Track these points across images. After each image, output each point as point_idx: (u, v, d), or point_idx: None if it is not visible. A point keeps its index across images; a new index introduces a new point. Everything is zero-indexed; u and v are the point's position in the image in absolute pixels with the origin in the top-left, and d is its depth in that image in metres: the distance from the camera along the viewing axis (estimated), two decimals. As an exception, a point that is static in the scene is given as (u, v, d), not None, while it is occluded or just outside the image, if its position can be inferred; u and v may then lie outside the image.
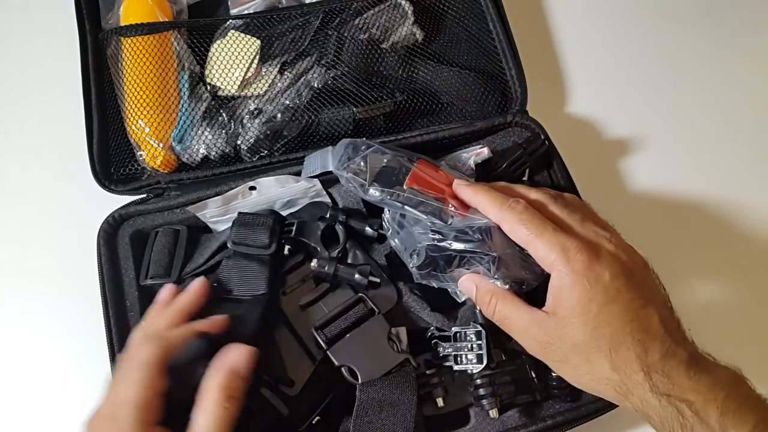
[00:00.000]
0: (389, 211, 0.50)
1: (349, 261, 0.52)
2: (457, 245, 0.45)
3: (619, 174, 0.65)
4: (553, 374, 0.49)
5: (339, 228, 0.52)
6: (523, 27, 0.65)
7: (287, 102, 0.59)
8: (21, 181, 0.64)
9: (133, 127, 0.57)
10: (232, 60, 0.60)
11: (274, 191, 0.54)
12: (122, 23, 0.60)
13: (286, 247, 0.52)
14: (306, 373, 0.49)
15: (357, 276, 0.50)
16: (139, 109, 0.57)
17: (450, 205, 0.46)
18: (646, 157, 0.65)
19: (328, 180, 0.54)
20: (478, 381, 0.48)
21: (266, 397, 0.45)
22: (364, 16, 0.62)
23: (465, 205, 0.46)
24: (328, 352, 0.48)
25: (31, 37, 0.69)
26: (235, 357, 0.40)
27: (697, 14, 0.72)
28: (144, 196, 0.57)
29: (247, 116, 0.59)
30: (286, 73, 0.61)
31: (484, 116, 0.59)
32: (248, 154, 0.58)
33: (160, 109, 0.57)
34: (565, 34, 0.71)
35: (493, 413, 0.48)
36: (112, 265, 0.53)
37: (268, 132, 0.58)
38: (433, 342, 0.51)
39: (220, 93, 0.60)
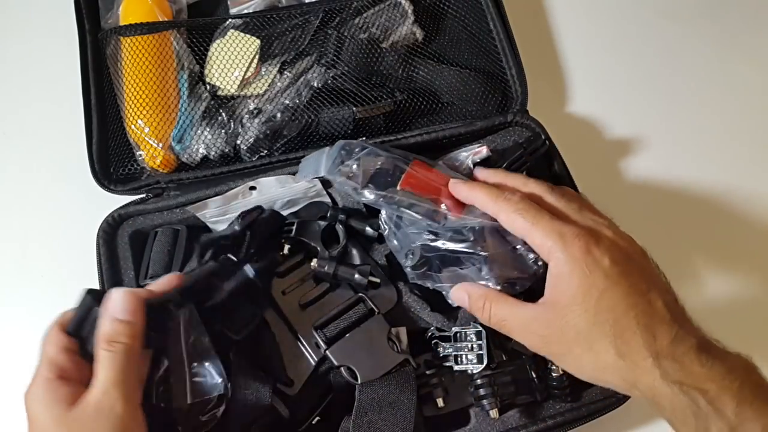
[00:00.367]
0: (386, 211, 0.50)
1: (349, 261, 0.52)
2: (450, 245, 0.45)
3: (619, 173, 0.65)
4: (554, 374, 0.49)
5: (339, 228, 0.52)
6: (524, 26, 0.64)
7: (287, 101, 0.59)
8: (21, 181, 0.64)
9: (133, 126, 0.57)
10: (231, 59, 0.60)
11: (274, 191, 0.54)
12: (122, 23, 0.60)
13: (286, 247, 0.52)
14: (306, 373, 0.49)
15: (357, 276, 0.50)
16: (138, 108, 0.57)
17: (444, 206, 0.46)
18: (646, 156, 0.65)
19: (328, 180, 0.54)
20: (479, 381, 0.48)
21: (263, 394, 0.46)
22: (364, 15, 0.62)
23: (460, 205, 0.46)
24: (327, 351, 0.48)
25: (31, 37, 0.69)
26: (110, 302, 0.39)
27: (697, 14, 0.72)
28: (143, 196, 0.57)
29: (247, 116, 0.59)
30: (285, 72, 0.61)
31: (484, 116, 0.59)
32: (248, 154, 0.58)
33: (159, 109, 0.57)
34: (566, 34, 0.71)
35: (494, 413, 0.48)
36: (111, 265, 0.53)
37: (268, 132, 0.58)
38: (433, 342, 0.51)
39: (219, 92, 0.60)
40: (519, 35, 0.63)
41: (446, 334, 0.50)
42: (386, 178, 0.48)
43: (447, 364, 0.50)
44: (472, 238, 0.45)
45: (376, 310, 0.50)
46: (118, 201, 0.56)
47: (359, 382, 0.47)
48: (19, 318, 0.59)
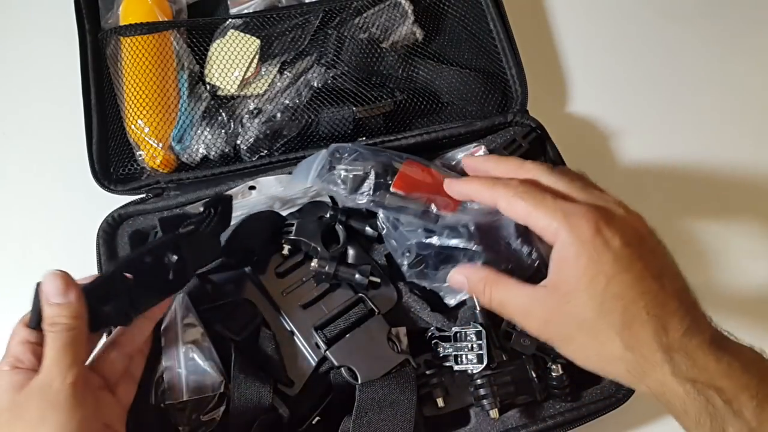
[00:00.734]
0: (383, 211, 0.50)
1: (349, 261, 0.52)
2: (445, 241, 0.45)
3: (619, 173, 0.65)
4: (554, 374, 0.49)
5: (339, 228, 0.52)
6: (524, 26, 0.64)
7: (287, 101, 0.59)
8: (21, 180, 0.64)
9: (133, 126, 0.57)
10: (231, 59, 0.60)
11: (274, 191, 0.54)
12: (122, 23, 0.60)
13: (286, 247, 0.52)
14: (306, 373, 0.49)
15: (357, 276, 0.50)
16: (138, 108, 0.57)
17: (434, 206, 0.46)
18: (646, 156, 0.65)
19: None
20: (479, 381, 0.48)
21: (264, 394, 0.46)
22: (364, 15, 0.62)
23: (453, 203, 0.46)
24: (327, 352, 0.48)
25: (31, 37, 0.69)
26: (44, 287, 0.39)
27: (697, 14, 0.72)
28: (143, 195, 0.57)
29: (247, 116, 0.59)
30: (285, 72, 0.61)
31: (484, 116, 0.59)
32: (248, 154, 0.58)
33: (159, 109, 0.57)
34: (566, 34, 0.71)
35: (494, 413, 0.48)
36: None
37: (268, 131, 0.58)
38: (433, 342, 0.51)
39: (219, 92, 0.60)
40: (519, 35, 0.63)
41: (446, 334, 0.50)
42: (378, 180, 0.48)
43: (447, 364, 0.50)
44: (466, 234, 0.45)
45: (376, 310, 0.50)
46: (118, 201, 0.56)
47: (359, 382, 0.47)
48: (20, 318, 0.59)
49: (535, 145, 0.56)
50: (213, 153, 0.58)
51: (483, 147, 0.54)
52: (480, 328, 0.49)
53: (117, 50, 0.60)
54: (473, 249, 0.44)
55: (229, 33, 0.61)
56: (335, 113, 0.58)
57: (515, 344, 0.49)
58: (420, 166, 0.49)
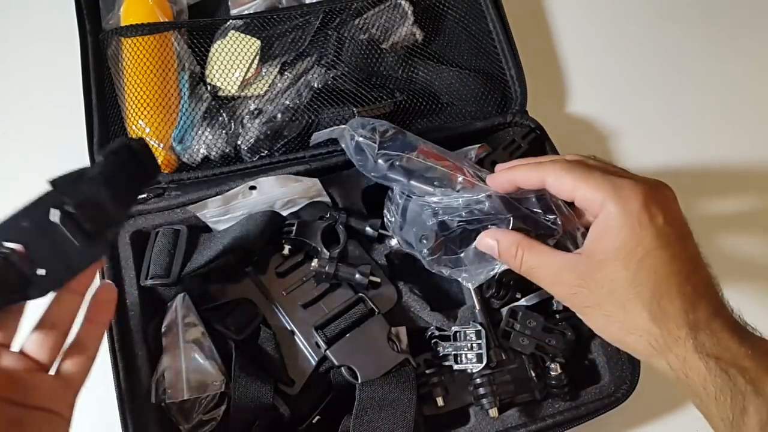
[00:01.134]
0: (392, 203, 0.50)
1: (349, 261, 0.52)
2: (467, 216, 0.44)
3: (618, 174, 0.65)
4: (552, 373, 0.49)
5: (339, 228, 0.52)
6: (523, 27, 0.65)
7: (287, 102, 0.59)
8: (21, 180, 0.64)
9: (134, 127, 0.57)
10: (232, 60, 0.60)
11: (275, 191, 0.54)
12: (122, 23, 0.61)
13: (287, 247, 0.52)
14: (306, 373, 0.50)
15: (357, 276, 0.50)
16: (139, 109, 0.57)
17: (458, 173, 0.45)
18: (646, 156, 0.65)
19: (328, 180, 0.55)
20: (478, 380, 0.48)
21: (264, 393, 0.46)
22: (364, 16, 0.62)
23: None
24: (327, 351, 0.48)
25: (32, 37, 0.69)
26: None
27: (697, 14, 0.72)
28: (144, 196, 0.57)
29: (248, 116, 0.59)
30: (286, 73, 0.61)
31: (483, 116, 0.59)
32: (248, 154, 0.58)
33: (160, 110, 0.57)
34: (565, 34, 0.71)
35: (493, 412, 0.48)
36: (112, 265, 0.53)
37: (269, 132, 0.58)
38: (432, 342, 0.51)
39: (220, 93, 0.60)
40: (518, 36, 0.63)
41: (446, 333, 0.51)
42: (402, 147, 0.47)
43: (446, 363, 0.50)
44: (489, 206, 0.44)
45: (376, 310, 0.50)
46: (119, 201, 0.56)
47: (359, 381, 0.47)
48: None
49: (535, 145, 0.57)
50: (214, 153, 0.58)
51: (485, 146, 0.54)
52: (479, 328, 0.49)
53: (118, 51, 0.60)
54: (501, 217, 0.43)
55: (229, 34, 0.61)
56: (335, 114, 0.58)
57: (514, 344, 0.49)
58: (435, 154, 0.49)
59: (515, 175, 0.43)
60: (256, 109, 0.59)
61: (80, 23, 0.62)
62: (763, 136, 0.67)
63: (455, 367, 0.49)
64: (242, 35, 0.61)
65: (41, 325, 0.39)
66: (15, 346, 0.39)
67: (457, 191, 0.45)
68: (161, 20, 0.60)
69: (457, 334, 0.50)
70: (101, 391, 0.52)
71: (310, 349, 0.50)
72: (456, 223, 0.45)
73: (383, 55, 0.61)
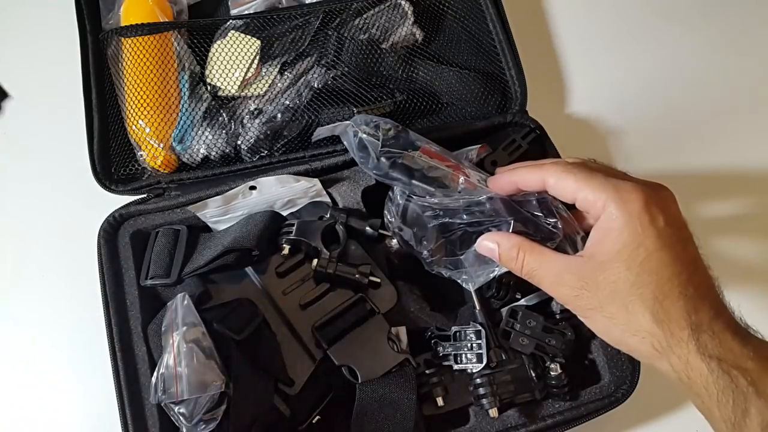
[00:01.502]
0: (392, 204, 0.50)
1: (349, 261, 0.52)
2: (468, 218, 0.44)
3: (618, 174, 0.65)
4: (552, 373, 0.49)
5: (339, 228, 0.52)
6: (523, 27, 0.65)
7: (287, 102, 0.59)
8: (22, 180, 0.64)
9: (134, 127, 0.58)
10: (232, 60, 0.60)
11: (275, 191, 0.54)
12: (122, 23, 0.61)
13: (287, 247, 0.52)
14: (306, 373, 0.50)
15: (357, 276, 0.50)
16: (139, 109, 0.57)
17: (460, 174, 0.45)
18: (646, 156, 0.65)
19: (328, 180, 0.55)
20: (478, 380, 0.48)
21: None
22: (364, 16, 0.62)
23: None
24: (328, 351, 0.48)
25: (32, 37, 0.69)
26: None
27: (697, 14, 0.72)
28: (144, 196, 0.57)
29: (248, 116, 0.59)
30: (286, 73, 0.61)
31: (483, 116, 0.59)
32: (248, 154, 0.58)
33: (160, 109, 0.57)
34: (565, 34, 0.71)
35: (493, 412, 0.48)
36: (112, 265, 0.53)
37: (268, 132, 0.58)
38: (432, 342, 0.51)
39: (220, 93, 0.60)
40: (518, 35, 0.63)
41: (446, 333, 0.51)
42: (405, 146, 0.47)
43: (446, 363, 0.50)
44: (489, 207, 0.44)
45: (376, 310, 0.50)
46: (119, 201, 0.56)
47: (359, 381, 0.47)
48: (20, 317, 0.59)
49: (535, 145, 0.57)
50: (214, 153, 0.58)
51: (485, 146, 0.54)
52: (479, 328, 0.49)
53: (118, 51, 0.60)
54: (502, 220, 0.43)
55: (229, 34, 0.61)
56: (335, 114, 0.58)
57: (514, 344, 0.49)
58: (437, 154, 0.48)
59: (516, 176, 0.43)
60: (256, 109, 0.59)
61: (80, 23, 0.62)
62: (764, 136, 0.67)
63: (455, 367, 0.49)
64: (242, 35, 0.61)
65: None
66: None
67: (459, 192, 0.45)
68: (161, 20, 0.60)
69: (457, 334, 0.50)
70: (101, 391, 0.52)
71: (310, 349, 0.50)
72: (456, 224, 0.45)
73: (383, 55, 0.61)
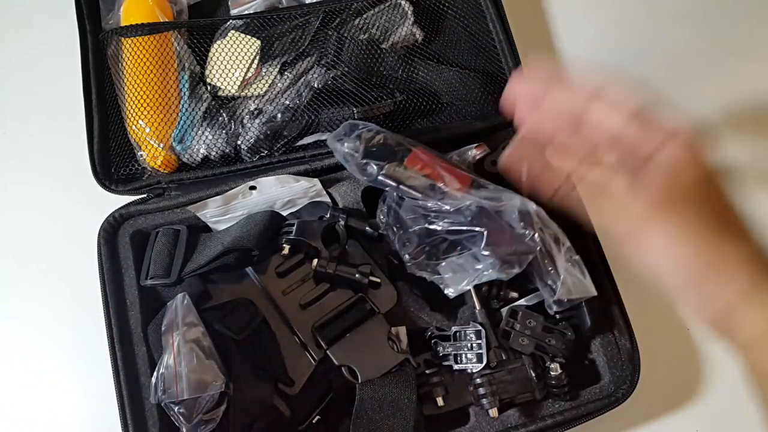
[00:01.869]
0: (384, 204, 0.50)
1: (349, 261, 0.52)
2: (447, 225, 0.45)
3: (618, 174, 0.65)
4: (552, 373, 0.49)
5: (339, 228, 0.52)
6: (523, 27, 0.65)
7: (287, 102, 0.59)
8: (22, 181, 0.64)
9: (134, 127, 0.58)
10: (232, 60, 0.60)
11: (275, 191, 0.54)
12: (123, 23, 0.61)
13: (287, 247, 0.52)
14: (306, 373, 0.50)
15: (357, 276, 0.50)
16: (139, 109, 0.57)
17: (443, 183, 0.46)
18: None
19: (328, 180, 0.55)
20: (478, 380, 0.48)
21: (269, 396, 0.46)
22: (364, 16, 0.62)
23: (461, 186, 0.47)
24: (328, 351, 0.48)
25: (32, 38, 0.69)
26: None
27: (697, 14, 0.72)
28: (144, 196, 0.57)
29: (248, 116, 0.59)
30: (286, 73, 0.61)
31: (483, 116, 0.59)
32: (248, 154, 0.58)
33: (160, 109, 0.57)
34: (565, 34, 0.71)
35: (493, 412, 0.48)
36: (112, 265, 0.53)
37: (269, 132, 0.58)
38: (432, 341, 0.51)
39: (220, 93, 0.60)
40: (518, 36, 0.63)
41: (446, 333, 0.51)
42: (389, 154, 0.48)
43: (446, 363, 0.50)
44: (470, 218, 0.45)
45: (376, 310, 0.50)
46: (119, 201, 0.56)
47: (359, 381, 0.47)
48: (20, 317, 0.59)
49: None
50: (214, 153, 0.58)
51: (484, 146, 0.54)
52: (479, 328, 0.49)
53: (118, 51, 0.60)
54: (477, 231, 0.44)
55: (229, 34, 0.61)
56: (335, 114, 0.58)
57: (514, 344, 0.49)
58: (431, 155, 0.49)
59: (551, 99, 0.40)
60: (256, 109, 0.59)
61: (80, 23, 0.62)
62: (764, 135, 0.67)
63: (455, 367, 0.49)
64: (242, 35, 0.61)
65: None
66: None
67: (439, 200, 0.46)
68: (161, 20, 0.60)
69: (457, 334, 0.50)
70: (101, 391, 0.52)
71: (310, 349, 0.50)
72: (436, 231, 0.46)
73: (383, 55, 0.61)
